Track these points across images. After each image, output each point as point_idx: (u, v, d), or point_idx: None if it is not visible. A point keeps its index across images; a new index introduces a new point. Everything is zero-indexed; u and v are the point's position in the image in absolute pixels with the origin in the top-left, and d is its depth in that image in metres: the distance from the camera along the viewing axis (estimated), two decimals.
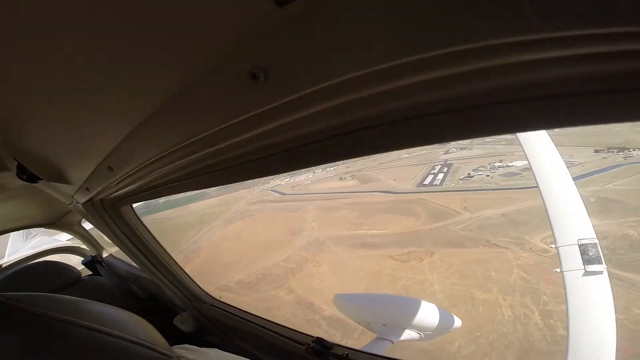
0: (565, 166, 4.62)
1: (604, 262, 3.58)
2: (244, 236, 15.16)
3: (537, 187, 4.59)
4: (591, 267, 3.55)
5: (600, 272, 3.51)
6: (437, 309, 2.11)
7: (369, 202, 17.93)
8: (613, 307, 3.12)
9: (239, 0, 0.34)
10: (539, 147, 4.53)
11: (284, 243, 14.04)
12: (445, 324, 2.13)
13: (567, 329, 3.14)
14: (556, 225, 4.08)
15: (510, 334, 9.45)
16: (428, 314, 2.05)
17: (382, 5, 0.31)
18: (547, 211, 4.30)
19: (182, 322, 1.84)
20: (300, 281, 11.88)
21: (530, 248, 12.40)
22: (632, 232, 11.34)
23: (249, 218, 16.58)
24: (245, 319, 1.57)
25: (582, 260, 3.69)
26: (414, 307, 2.04)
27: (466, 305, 11.04)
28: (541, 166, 4.61)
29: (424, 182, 18.74)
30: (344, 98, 0.41)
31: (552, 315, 10.01)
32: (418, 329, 2.01)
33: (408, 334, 1.99)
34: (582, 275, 3.58)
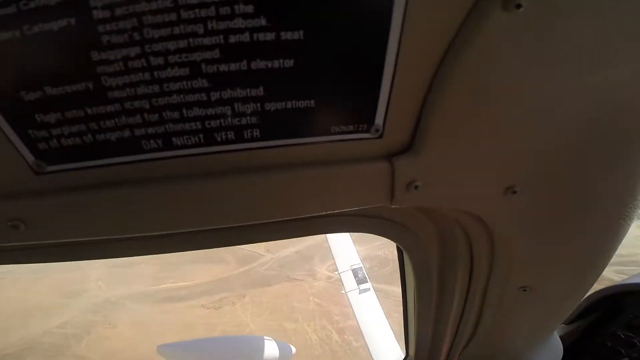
0: None
1: (369, 280, 4.91)
2: None
3: None
4: (362, 286, 4.83)
5: (368, 289, 4.81)
6: (273, 342, 2.20)
7: (174, 254, 17.10)
8: (383, 313, 4.38)
9: (3, 161, 0.39)
10: None
11: (56, 308, 10.68)
12: (284, 354, 2.23)
13: (363, 337, 4.15)
14: (336, 256, 5.56)
15: (321, 355, 11.30)
16: (267, 348, 2.13)
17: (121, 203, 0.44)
18: (329, 245, 5.77)
19: None
20: (90, 346, 9.39)
21: (319, 277, 15.22)
22: (380, 252, 15.78)
23: None
24: None
25: (356, 281, 4.94)
26: (252, 343, 2.13)
27: (280, 337, 12.34)
28: None
29: None
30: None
31: (345, 331, 12.26)
32: None
33: None
34: (359, 294, 4.77)
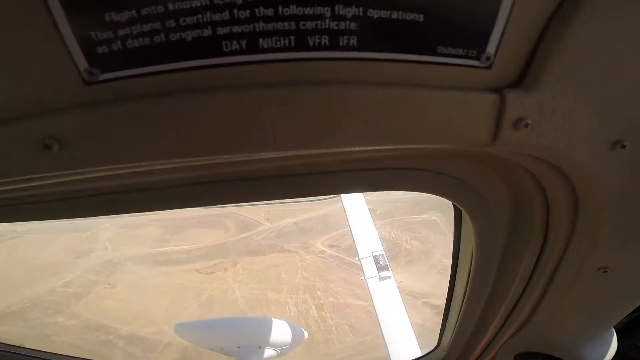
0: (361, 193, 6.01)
1: (390, 269, 5.02)
2: None
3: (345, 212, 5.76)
4: (383, 274, 4.97)
5: (389, 277, 4.92)
6: (287, 324, 2.31)
7: (179, 217, 18.70)
8: (402, 303, 4.50)
9: (45, 69, 0.36)
10: None
11: (64, 267, 12.91)
12: (296, 337, 2.32)
13: (378, 322, 4.29)
14: (358, 241, 5.65)
15: None
16: (279, 330, 2.23)
17: (186, 110, 0.39)
18: (351, 231, 5.81)
19: None
20: (87, 305, 11.54)
21: (313, 251, 16.25)
22: (378, 232, 17.14)
23: (10, 241, 14.04)
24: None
25: (377, 268, 5.06)
26: (265, 325, 2.22)
27: (262, 307, 13.42)
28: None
29: None
30: (135, 169, 0.47)
31: (324, 308, 13.31)
32: (273, 345, 2.18)
33: (265, 353, 2.15)
34: (379, 281, 4.88)
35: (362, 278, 5.10)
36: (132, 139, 0.41)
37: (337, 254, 16.30)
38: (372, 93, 0.42)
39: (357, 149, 0.47)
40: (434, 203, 20.00)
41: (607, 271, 0.71)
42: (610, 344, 1.00)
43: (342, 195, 6.20)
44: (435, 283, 14.34)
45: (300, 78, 0.41)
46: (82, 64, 0.36)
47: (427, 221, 18.16)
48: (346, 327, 13.05)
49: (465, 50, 0.42)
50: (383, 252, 5.34)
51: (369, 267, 5.11)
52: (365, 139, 0.45)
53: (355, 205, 6.14)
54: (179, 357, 10.35)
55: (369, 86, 0.42)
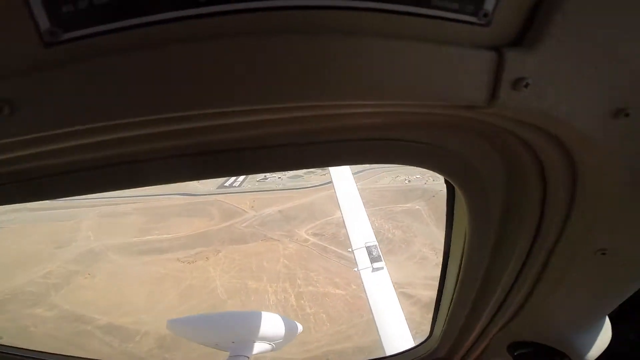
0: (354, 183, 6.12)
1: (383, 260, 5.02)
2: None
3: (339, 204, 5.88)
4: (376, 265, 4.96)
5: (382, 268, 4.92)
6: (280, 318, 2.33)
7: (164, 205, 18.98)
8: (395, 292, 4.56)
9: (4, 30, 0.34)
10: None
11: (45, 257, 13.37)
12: (290, 331, 2.34)
13: (371, 312, 4.40)
14: (351, 232, 5.61)
15: None
16: (273, 324, 2.25)
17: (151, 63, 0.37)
18: (344, 221, 5.84)
19: None
20: (66, 296, 11.97)
21: (296, 239, 16.86)
22: None
23: None
24: None
25: (370, 259, 5.04)
26: (258, 319, 2.22)
27: (241, 295, 13.96)
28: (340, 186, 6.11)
29: (225, 184, 21.76)
30: (101, 137, 0.45)
31: (303, 296, 13.87)
32: (268, 339, 2.20)
33: (260, 347, 2.15)
34: (372, 272, 4.91)
35: (356, 269, 5.12)
36: (95, 97, 0.39)
37: (321, 242, 16.72)
38: (362, 45, 0.41)
39: (348, 105, 0.47)
40: (419, 193, 20.14)
41: (605, 253, 0.68)
42: (604, 332, 1.00)
43: (334, 184, 6.23)
44: (413, 273, 14.82)
45: (279, 27, 0.39)
46: (44, 24, 0.35)
47: (410, 210, 18.83)
48: (323, 315, 13.55)
49: (462, 5, 0.41)
50: (376, 243, 5.31)
51: (362, 257, 5.12)
52: (356, 92, 0.44)
53: (348, 195, 6.08)
54: (156, 346, 10.86)
55: (359, 37, 0.41)
